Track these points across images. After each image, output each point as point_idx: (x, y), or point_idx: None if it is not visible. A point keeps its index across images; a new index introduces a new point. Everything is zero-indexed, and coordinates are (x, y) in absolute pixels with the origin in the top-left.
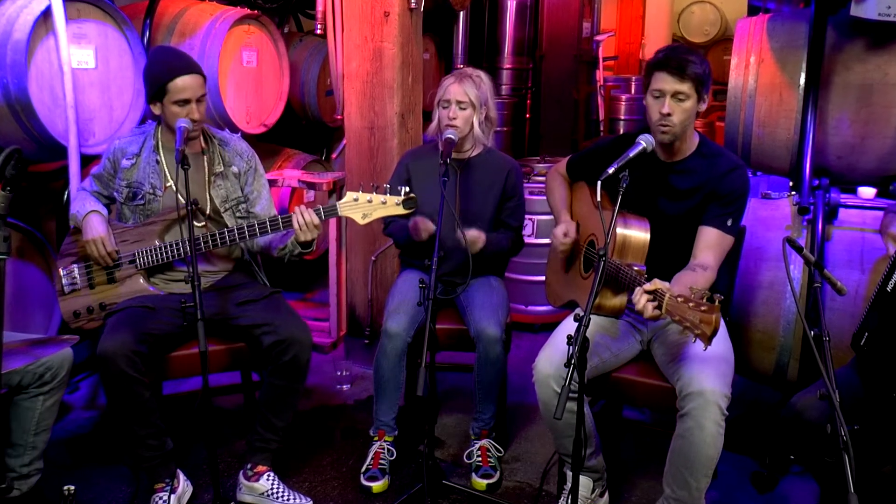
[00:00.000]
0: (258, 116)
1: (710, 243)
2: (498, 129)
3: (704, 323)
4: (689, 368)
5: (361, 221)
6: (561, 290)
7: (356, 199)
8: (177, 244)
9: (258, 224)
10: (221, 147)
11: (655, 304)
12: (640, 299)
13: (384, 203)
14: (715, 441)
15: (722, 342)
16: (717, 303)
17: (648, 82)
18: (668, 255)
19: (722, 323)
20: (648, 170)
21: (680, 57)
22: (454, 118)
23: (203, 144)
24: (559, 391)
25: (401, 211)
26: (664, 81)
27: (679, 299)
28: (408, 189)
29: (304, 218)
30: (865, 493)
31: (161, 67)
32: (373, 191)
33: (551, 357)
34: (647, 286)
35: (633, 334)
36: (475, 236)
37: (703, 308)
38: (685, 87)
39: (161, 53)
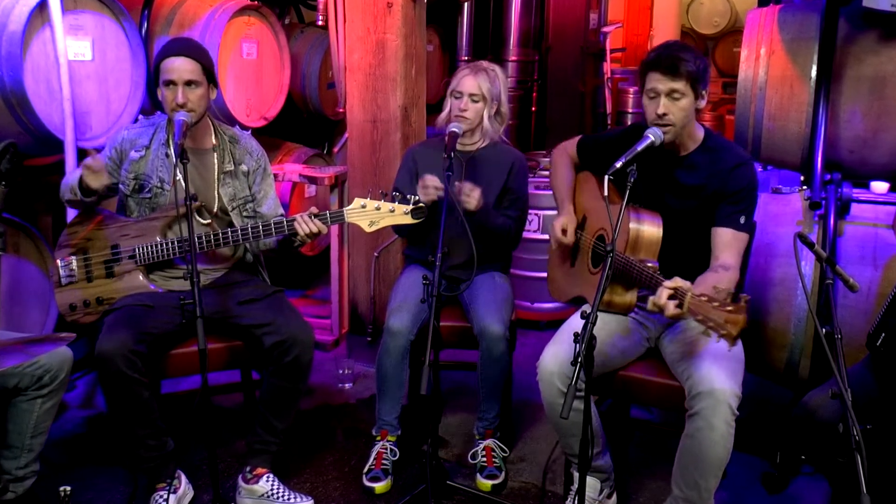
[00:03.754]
0: (258, 109)
1: (726, 243)
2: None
3: (730, 323)
4: (700, 367)
5: (368, 229)
6: (566, 285)
7: (363, 206)
8: (178, 241)
9: (262, 227)
10: (232, 144)
11: (676, 302)
12: (662, 296)
13: (392, 211)
14: (725, 441)
15: None
16: (743, 302)
17: (642, 83)
18: (677, 251)
19: None
20: (655, 165)
21: (672, 55)
22: (465, 110)
23: (214, 141)
24: (564, 390)
25: (409, 220)
26: (657, 81)
27: (702, 298)
28: (417, 198)
29: (310, 228)
30: (878, 493)
31: (161, 51)
32: (381, 198)
33: (556, 354)
34: (669, 283)
35: (640, 332)
36: (475, 196)
37: (728, 308)
38: (679, 85)
39: (169, 41)
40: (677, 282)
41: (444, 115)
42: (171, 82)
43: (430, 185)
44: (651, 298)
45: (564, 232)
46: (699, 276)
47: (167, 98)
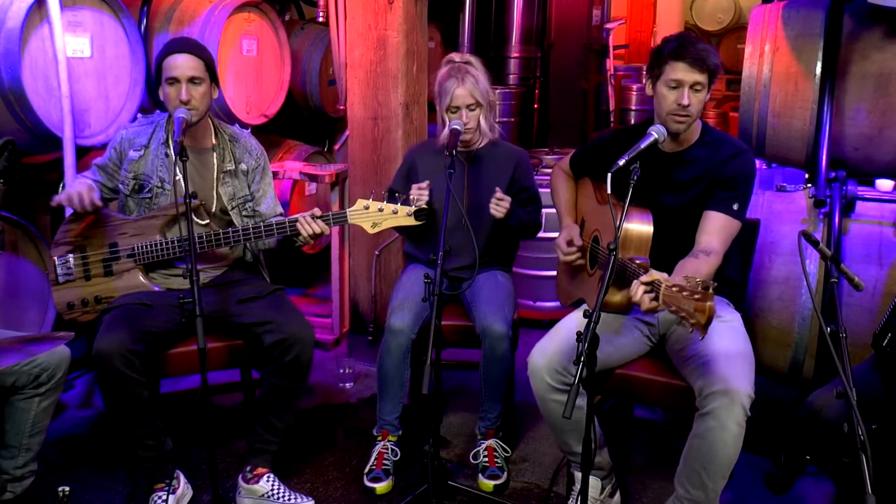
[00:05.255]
0: (258, 107)
1: (715, 228)
2: (505, 119)
3: (699, 311)
4: (713, 366)
5: (371, 230)
6: (570, 289)
7: (366, 208)
8: (178, 241)
9: (264, 227)
10: (232, 143)
11: (653, 295)
12: (637, 291)
13: (395, 213)
14: (736, 442)
15: (742, 340)
16: (710, 290)
17: (661, 72)
18: (673, 248)
19: (739, 320)
20: (649, 161)
21: (697, 48)
22: (467, 122)
23: (214, 140)
24: (554, 384)
25: (412, 222)
26: (683, 72)
27: (674, 289)
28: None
29: (312, 228)
30: (883, 493)
31: (162, 50)
32: (383, 199)
33: (545, 349)
34: (644, 277)
35: (641, 330)
36: (504, 206)
37: (696, 297)
38: (703, 79)
39: (170, 39)
40: (653, 275)
41: (445, 132)
42: (174, 79)
43: (417, 189)
44: (629, 293)
45: (570, 243)
46: (679, 261)
47: (170, 96)
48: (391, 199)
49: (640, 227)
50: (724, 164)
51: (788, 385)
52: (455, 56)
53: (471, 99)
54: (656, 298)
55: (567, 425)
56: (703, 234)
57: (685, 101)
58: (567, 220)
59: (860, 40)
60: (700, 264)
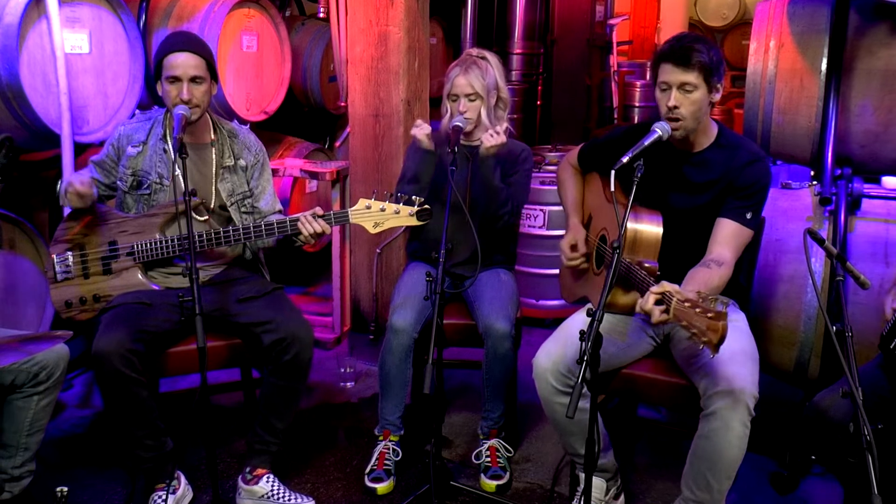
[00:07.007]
0: (258, 103)
1: (727, 237)
2: (508, 116)
3: (711, 331)
4: (717, 366)
5: (373, 230)
6: (573, 286)
7: (368, 207)
8: (178, 239)
9: (265, 226)
10: (231, 139)
11: (663, 307)
12: (648, 302)
13: (397, 213)
14: (741, 443)
15: (746, 339)
16: (725, 309)
17: (655, 75)
18: (681, 252)
19: (744, 319)
20: (662, 161)
21: (685, 46)
22: (465, 111)
23: (212, 136)
24: (558, 387)
25: (414, 222)
26: (669, 73)
27: (686, 304)
28: (422, 199)
29: (313, 228)
30: (889, 494)
31: (162, 45)
32: (386, 199)
33: (550, 351)
34: (655, 289)
35: (646, 330)
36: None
37: (709, 315)
38: (691, 77)
39: (170, 35)
40: (664, 286)
41: (445, 119)
42: (175, 78)
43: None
44: (639, 302)
45: (574, 248)
46: (690, 270)
47: (170, 94)
48: (402, 199)
49: (650, 228)
50: (739, 171)
51: (794, 384)
52: (472, 50)
53: (470, 89)
54: (666, 311)
55: (572, 427)
56: (714, 244)
57: (671, 103)
58: (573, 220)
59: (866, 37)
60: (711, 275)
